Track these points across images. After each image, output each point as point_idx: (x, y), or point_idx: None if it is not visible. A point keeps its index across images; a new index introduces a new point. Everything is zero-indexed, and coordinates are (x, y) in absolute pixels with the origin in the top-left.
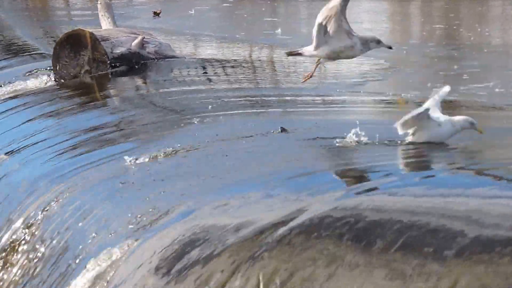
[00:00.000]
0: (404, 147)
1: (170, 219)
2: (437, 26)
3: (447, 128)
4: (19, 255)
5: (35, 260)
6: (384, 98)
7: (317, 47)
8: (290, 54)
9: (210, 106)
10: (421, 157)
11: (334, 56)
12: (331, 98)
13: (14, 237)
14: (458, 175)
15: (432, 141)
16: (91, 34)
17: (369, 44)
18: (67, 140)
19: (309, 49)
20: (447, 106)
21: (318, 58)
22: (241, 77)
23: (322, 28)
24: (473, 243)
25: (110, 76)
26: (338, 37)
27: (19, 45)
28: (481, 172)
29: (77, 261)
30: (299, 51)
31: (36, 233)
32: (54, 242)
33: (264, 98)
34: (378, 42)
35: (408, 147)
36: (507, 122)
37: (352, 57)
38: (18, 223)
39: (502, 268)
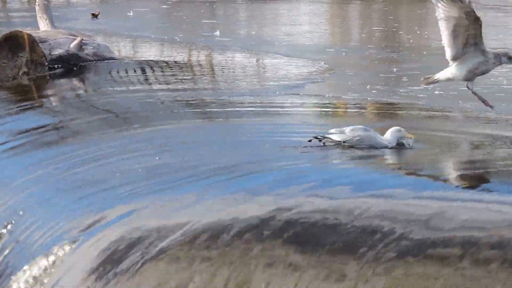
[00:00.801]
0: (346, 149)
1: (107, 222)
2: (377, 28)
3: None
4: None
5: None
6: (323, 100)
7: (454, 71)
8: (427, 83)
9: (148, 108)
10: (361, 159)
11: (470, 76)
12: (270, 100)
13: None
14: (396, 176)
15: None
16: (29, 35)
17: (501, 58)
18: (5, 142)
19: (445, 74)
20: (388, 109)
21: (456, 80)
22: (180, 78)
23: (460, 51)
24: (411, 244)
25: (48, 78)
26: (474, 56)
27: None
28: (417, 174)
29: (11, 265)
30: (436, 78)
31: None
32: None
33: (203, 99)
34: (510, 58)
35: (350, 149)
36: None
37: (486, 72)
38: None
39: (428, 269)
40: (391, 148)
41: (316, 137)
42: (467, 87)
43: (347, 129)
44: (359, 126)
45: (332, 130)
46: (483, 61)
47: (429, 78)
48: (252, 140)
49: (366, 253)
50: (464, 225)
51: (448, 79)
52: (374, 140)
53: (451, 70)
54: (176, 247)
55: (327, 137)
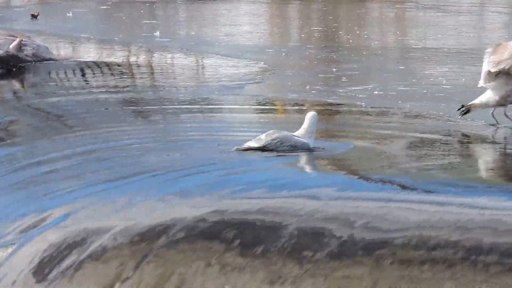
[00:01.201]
0: (275, 152)
1: (47, 223)
2: (316, 28)
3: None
4: None
5: None
6: (263, 100)
7: (488, 98)
8: (464, 113)
9: (88, 109)
10: (303, 160)
11: (503, 102)
12: (209, 100)
13: None
14: (336, 178)
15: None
16: None
17: None
18: None
19: (479, 102)
20: (328, 108)
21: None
22: (120, 80)
23: (492, 77)
24: (353, 246)
25: None
26: (506, 83)
27: None
28: (359, 175)
29: None
30: (471, 106)
31: None
32: None
33: (142, 100)
34: None
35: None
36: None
37: None
38: None
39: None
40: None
41: (238, 149)
42: (505, 114)
43: (262, 135)
44: (272, 130)
45: (249, 142)
46: None
47: (466, 110)
48: (190, 141)
49: (305, 254)
50: (398, 227)
51: (483, 107)
52: (293, 140)
53: (484, 97)
54: (113, 248)
55: (250, 147)
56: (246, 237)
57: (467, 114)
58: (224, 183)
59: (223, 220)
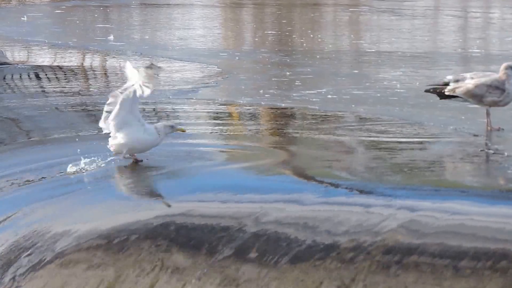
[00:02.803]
0: (228, 154)
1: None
2: (270, 32)
3: (153, 136)
4: None
5: None
6: (216, 104)
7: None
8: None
9: (40, 112)
10: (238, 162)
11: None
12: (163, 105)
13: None
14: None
15: (137, 149)
16: None
17: None
18: None
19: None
20: (279, 111)
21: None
22: (74, 83)
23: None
24: (307, 250)
25: None
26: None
27: None
28: (311, 178)
29: None
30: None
31: None
32: None
33: (95, 104)
34: None
35: (232, 153)
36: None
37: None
38: None
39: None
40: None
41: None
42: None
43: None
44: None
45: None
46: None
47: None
48: None
49: (258, 257)
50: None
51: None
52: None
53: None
54: (65, 253)
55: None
56: (197, 240)
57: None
58: (179, 187)
59: (176, 224)
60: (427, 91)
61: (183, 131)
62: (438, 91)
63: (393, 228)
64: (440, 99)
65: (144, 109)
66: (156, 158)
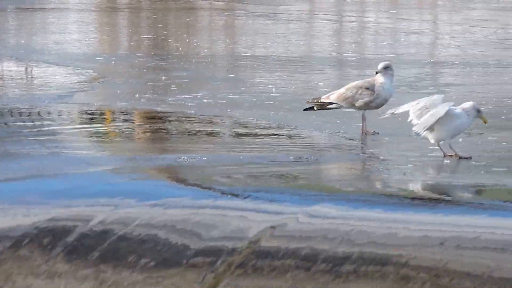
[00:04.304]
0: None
1: None
2: (146, 36)
3: (465, 119)
4: None
5: None
6: (91, 108)
7: None
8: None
9: None
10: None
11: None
12: (38, 109)
13: None
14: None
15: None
16: None
17: None
18: None
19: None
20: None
21: None
22: None
23: None
24: (196, 254)
25: None
26: None
27: None
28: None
29: None
30: None
31: None
32: None
33: None
34: None
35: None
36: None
37: None
38: None
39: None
40: None
41: None
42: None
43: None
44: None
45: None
46: None
47: None
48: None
49: (144, 262)
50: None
51: None
52: None
53: None
54: None
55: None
56: (79, 245)
57: None
58: (69, 191)
59: (57, 228)
60: (306, 109)
61: (485, 122)
62: (315, 101)
63: (259, 232)
64: (317, 109)
65: (20, 113)
66: None
